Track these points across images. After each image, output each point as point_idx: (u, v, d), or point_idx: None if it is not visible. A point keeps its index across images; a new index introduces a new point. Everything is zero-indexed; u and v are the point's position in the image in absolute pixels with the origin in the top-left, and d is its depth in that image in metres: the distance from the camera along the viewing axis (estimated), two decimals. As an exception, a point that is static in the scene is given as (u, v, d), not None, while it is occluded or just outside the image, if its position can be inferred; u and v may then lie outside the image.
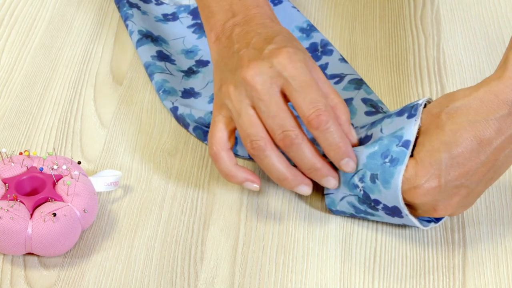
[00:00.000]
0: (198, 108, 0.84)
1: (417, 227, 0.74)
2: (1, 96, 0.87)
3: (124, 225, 0.75)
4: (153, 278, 0.71)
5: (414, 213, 0.72)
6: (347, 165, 0.71)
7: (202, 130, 0.82)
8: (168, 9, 0.96)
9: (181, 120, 0.83)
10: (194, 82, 0.87)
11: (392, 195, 0.70)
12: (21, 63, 0.91)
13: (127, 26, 0.93)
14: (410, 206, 0.71)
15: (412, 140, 0.70)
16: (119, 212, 0.76)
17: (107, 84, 0.89)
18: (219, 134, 0.73)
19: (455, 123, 0.68)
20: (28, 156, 0.74)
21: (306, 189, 0.73)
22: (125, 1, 0.95)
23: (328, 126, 0.69)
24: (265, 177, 0.79)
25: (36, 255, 0.71)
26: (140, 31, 0.91)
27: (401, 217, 0.71)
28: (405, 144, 0.70)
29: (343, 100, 0.73)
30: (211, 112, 0.80)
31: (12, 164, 0.73)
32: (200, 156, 0.81)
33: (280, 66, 0.70)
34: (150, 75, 0.87)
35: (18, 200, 0.70)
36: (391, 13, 1.00)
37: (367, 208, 0.73)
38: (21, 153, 0.74)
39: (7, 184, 0.71)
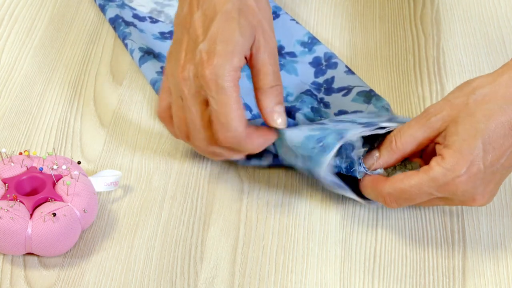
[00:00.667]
0: None
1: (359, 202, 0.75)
2: (1, 96, 0.87)
3: (124, 225, 0.75)
4: (153, 278, 0.71)
5: (451, 203, 0.71)
6: None
7: None
8: (164, 27, 0.95)
9: None
10: None
11: (320, 174, 0.73)
12: (21, 63, 0.91)
13: (126, 45, 0.91)
14: (446, 199, 0.71)
15: (338, 144, 0.72)
16: (119, 212, 0.76)
17: (107, 84, 0.89)
18: (239, 112, 0.72)
19: (486, 109, 0.68)
20: (28, 156, 0.74)
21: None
22: (120, 20, 0.94)
23: (241, 144, 0.72)
24: (265, 177, 0.79)
25: (36, 255, 0.71)
26: (141, 48, 0.90)
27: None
28: (340, 139, 0.72)
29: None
30: None
31: (12, 164, 0.73)
32: (200, 156, 0.81)
33: (202, 81, 0.70)
34: (158, 91, 0.85)
35: (18, 200, 0.70)
36: (391, 13, 1.00)
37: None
38: (21, 153, 0.74)
39: (7, 184, 0.71)
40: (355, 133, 0.72)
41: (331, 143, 0.72)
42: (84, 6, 0.99)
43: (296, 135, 0.74)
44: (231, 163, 0.80)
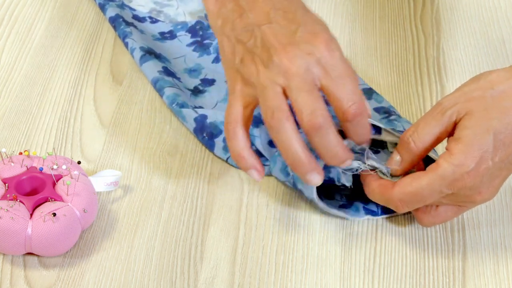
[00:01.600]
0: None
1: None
2: (1, 96, 0.87)
3: (124, 225, 0.75)
4: (153, 278, 0.71)
5: (455, 199, 0.70)
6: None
7: None
8: (164, 27, 0.95)
9: (209, 129, 0.81)
10: (203, 101, 0.85)
11: (310, 189, 0.72)
12: (21, 63, 0.91)
13: (126, 44, 0.91)
14: (452, 195, 0.70)
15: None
16: (119, 212, 0.76)
17: (107, 84, 0.89)
18: (237, 109, 0.70)
19: (502, 106, 0.68)
20: (28, 156, 0.74)
21: (318, 178, 0.70)
22: (121, 19, 0.93)
23: (362, 118, 0.69)
24: (265, 177, 0.79)
25: (36, 255, 0.71)
26: (142, 48, 0.89)
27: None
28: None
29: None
30: None
31: (12, 164, 0.73)
32: (200, 156, 0.81)
33: (319, 54, 0.68)
34: (160, 90, 0.85)
35: (18, 200, 0.70)
36: (391, 13, 1.00)
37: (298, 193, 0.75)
38: (21, 153, 0.74)
39: (7, 184, 0.71)
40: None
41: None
42: (84, 6, 0.99)
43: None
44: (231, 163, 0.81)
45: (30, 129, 0.83)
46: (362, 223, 0.76)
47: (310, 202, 0.76)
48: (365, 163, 0.72)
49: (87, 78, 0.89)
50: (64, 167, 0.73)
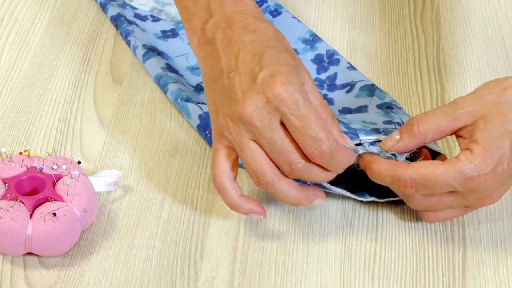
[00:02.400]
0: None
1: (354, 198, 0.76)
2: (1, 96, 0.87)
3: (124, 225, 0.75)
4: (153, 278, 0.71)
5: (465, 202, 0.71)
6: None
7: None
8: (166, 25, 0.95)
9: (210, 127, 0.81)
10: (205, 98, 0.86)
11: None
12: (21, 63, 0.91)
13: (129, 42, 0.91)
14: (463, 195, 0.70)
15: None
16: (119, 212, 0.76)
17: (107, 84, 0.89)
18: (222, 164, 0.71)
19: None
20: (28, 156, 0.74)
21: (320, 201, 0.72)
22: (123, 18, 0.94)
23: (331, 155, 0.68)
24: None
25: (36, 255, 0.71)
26: (144, 45, 0.90)
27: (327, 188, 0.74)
28: None
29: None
30: None
31: (12, 164, 0.73)
32: (200, 156, 0.81)
33: (276, 101, 0.67)
34: (164, 87, 0.85)
35: (18, 200, 0.70)
36: (391, 13, 1.00)
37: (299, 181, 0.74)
38: (21, 153, 0.74)
39: (7, 184, 0.71)
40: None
41: None
42: (84, 6, 0.99)
43: None
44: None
45: (30, 129, 0.83)
46: (362, 223, 0.76)
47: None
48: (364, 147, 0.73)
49: (87, 78, 0.89)
50: (64, 167, 0.73)
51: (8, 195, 0.70)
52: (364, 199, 0.76)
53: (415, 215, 0.77)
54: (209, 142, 0.81)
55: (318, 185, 0.74)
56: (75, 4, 0.99)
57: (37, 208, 0.70)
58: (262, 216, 0.72)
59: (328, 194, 0.78)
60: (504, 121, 0.68)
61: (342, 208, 0.77)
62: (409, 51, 0.94)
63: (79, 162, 0.75)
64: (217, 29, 0.72)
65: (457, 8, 1.01)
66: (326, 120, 0.69)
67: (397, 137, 0.72)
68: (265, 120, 0.67)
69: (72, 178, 0.72)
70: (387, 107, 0.83)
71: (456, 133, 0.71)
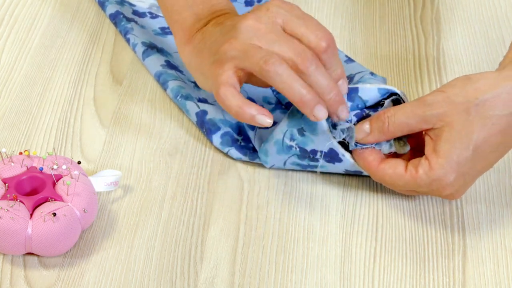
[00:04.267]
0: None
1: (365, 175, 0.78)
2: (1, 96, 0.87)
3: (124, 225, 0.75)
4: (153, 278, 0.71)
5: (428, 193, 0.74)
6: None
7: (232, 138, 0.80)
8: (164, 22, 0.95)
9: (208, 125, 0.81)
10: (206, 93, 0.86)
11: (323, 138, 0.74)
12: (21, 63, 0.91)
13: (128, 40, 0.92)
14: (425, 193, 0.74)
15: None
16: (119, 212, 0.76)
17: (107, 84, 0.89)
18: (226, 75, 0.71)
19: (484, 117, 0.69)
20: (28, 156, 0.74)
21: (323, 111, 0.71)
22: (121, 16, 0.94)
23: (334, 48, 0.72)
24: (265, 177, 0.79)
25: (36, 255, 0.71)
26: (143, 43, 0.90)
27: (341, 160, 0.75)
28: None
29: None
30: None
31: (12, 164, 0.73)
32: (200, 156, 0.81)
33: (275, 7, 0.72)
34: (164, 84, 0.86)
35: (18, 200, 0.70)
36: (391, 13, 1.00)
37: (309, 162, 0.76)
38: (21, 153, 0.74)
39: (7, 184, 0.71)
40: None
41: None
42: (84, 6, 0.99)
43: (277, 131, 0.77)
44: (231, 163, 0.81)
45: (30, 129, 0.83)
46: (362, 223, 0.76)
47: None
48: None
49: (87, 78, 0.89)
50: (64, 167, 0.73)
51: (8, 195, 0.70)
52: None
53: (415, 215, 0.77)
54: (207, 137, 0.82)
55: (334, 158, 0.75)
56: (75, 4, 0.99)
57: (37, 208, 0.70)
58: (269, 119, 0.71)
59: (328, 195, 0.78)
60: (469, 131, 0.69)
61: (342, 208, 0.77)
62: (409, 51, 0.94)
63: (79, 162, 0.75)
64: (209, 22, 0.76)
65: (457, 8, 1.01)
66: None
67: (367, 130, 0.74)
68: (268, 24, 0.71)
69: (72, 178, 0.72)
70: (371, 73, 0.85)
71: (426, 133, 0.72)
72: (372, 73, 0.86)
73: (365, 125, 0.74)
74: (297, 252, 0.73)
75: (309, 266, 0.72)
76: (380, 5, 1.01)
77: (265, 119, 0.70)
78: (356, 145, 0.74)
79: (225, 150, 0.81)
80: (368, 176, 0.79)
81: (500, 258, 0.73)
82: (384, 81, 0.85)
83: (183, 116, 0.85)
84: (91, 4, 0.99)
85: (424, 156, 0.72)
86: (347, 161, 0.76)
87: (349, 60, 0.89)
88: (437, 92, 0.72)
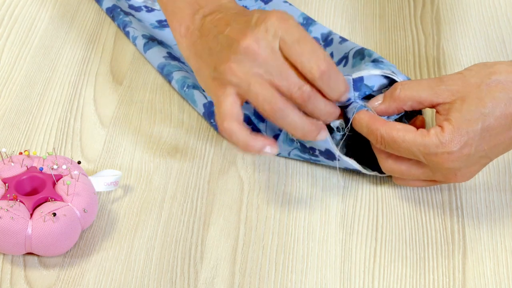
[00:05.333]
0: None
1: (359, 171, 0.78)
2: (1, 96, 0.87)
3: (124, 225, 0.75)
4: (153, 278, 0.71)
5: (431, 176, 0.74)
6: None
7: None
8: (160, 15, 0.96)
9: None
10: None
11: (323, 142, 0.75)
12: (21, 63, 0.91)
13: (127, 33, 0.92)
14: (429, 169, 0.73)
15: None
16: (119, 212, 0.76)
17: (107, 84, 0.89)
18: (229, 107, 0.71)
19: (495, 97, 0.70)
20: (28, 156, 0.74)
21: (324, 134, 0.74)
22: (119, 9, 0.94)
23: (329, 73, 0.71)
24: (265, 177, 0.79)
25: (36, 255, 0.71)
26: (144, 35, 0.91)
27: (336, 159, 0.76)
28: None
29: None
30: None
31: (12, 164, 0.73)
32: (200, 156, 0.81)
33: (274, 28, 0.70)
34: (168, 75, 0.86)
35: (18, 200, 0.70)
36: (391, 13, 1.00)
37: (310, 156, 0.78)
38: (21, 153, 0.74)
39: (7, 184, 0.71)
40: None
41: None
42: (84, 6, 0.99)
43: None
44: (231, 163, 0.81)
45: (30, 129, 0.83)
46: (362, 223, 0.76)
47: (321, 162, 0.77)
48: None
49: (87, 78, 0.89)
50: (64, 167, 0.73)
51: (8, 195, 0.70)
52: (368, 172, 0.78)
53: (415, 215, 0.77)
54: (215, 128, 0.83)
55: (331, 157, 0.76)
56: (75, 4, 0.99)
57: (37, 208, 0.70)
58: (275, 148, 0.72)
59: (328, 195, 0.78)
60: (479, 105, 0.70)
61: (342, 208, 0.77)
62: (409, 51, 0.94)
63: (79, 162, 0.75)
64: (206, 16, 0.75)
65: (457, 8, 1.01)
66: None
67: (379, 101, 0.75)
68: (267, 49, 0.70)
69: (72, 178, 0.72)
70: (373, 60, 0.84)
71: (435, 108, 0.73)
72: (362, 48, 0.87)
73: (380, 96, 0.75)
74: (297, 252, 0.73)
75: (309, 266, 0.72)
76: (380, 5, 1.01)
77: (272, 150, 0.72)
78: (363, 106, 0.75)
79: None
80: (368, 176, 0.79)
81: (500, 258, 0.73)
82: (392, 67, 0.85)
83: (183, 116, 0.85)
84: (91, 4, 0.99)
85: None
86: (344, 162, 0.76)
87: (343, 40, 0.90)
88: (455, 73, 0.73)
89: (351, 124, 0.75)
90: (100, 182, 0.75)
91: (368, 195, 0.78)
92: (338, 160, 0.76)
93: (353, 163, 0.77)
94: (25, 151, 0.74)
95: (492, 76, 0.71)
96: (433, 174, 0.74)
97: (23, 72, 0.90)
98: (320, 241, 0.74)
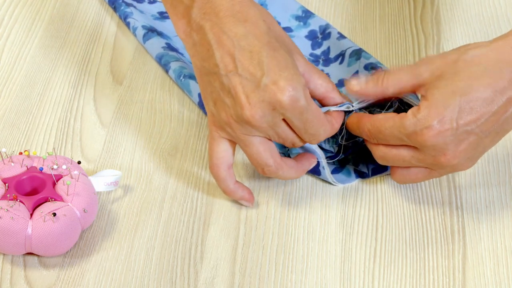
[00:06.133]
0: None
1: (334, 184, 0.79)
2: (1, 96, 0.87)
3: (124, 225, 0.75)
4: (153, 278, 0.71)
5: (423, 160, 0.72)
6: None
7: None
8: (162, 6, 0.97)
9: None
10: None
11: (309, 149, 0.77)
12: (21, 63, 0.91)
13: (128, 24, 0.93)
14: (419, 152, 0.72)
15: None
16: (119, 212, 0.76)
17: (107, 84, 0.89)
18: (221, 154, 0.74)
19: (471, 70, 0.70)
20: (28, 156, 0.74)
21: (312, 163, 0.77)
22: (120, 1, 0.95)
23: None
24: (265, 177, 0.79)
25: (36, 255, 0.71)
26: (144, 26, 0.92)
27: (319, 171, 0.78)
28: None
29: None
30: None
31: (12, 164, 0.73)
32: (200, 156, 0.81)
33: (283, 109, 0.69)
34: (166, 65, 0.88)
35: (18, 200, 0.70)
36: (391, 13, 1.00)
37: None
38: (21, 153, 0.74)
39: (7, 184, 0.71)
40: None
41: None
42: (84, 6, 0.99)
43: None
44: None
45: (30, 129, 0.83)
46: (362, 223, 0.76)
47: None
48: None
49: (87, 78, 0.89)
50: (64, 167, 0.73)
51: (8, 195, 0.70)
52: (349, 183, 0.79)
53: (415, 215, 0.77)
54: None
55: (315, 171, 0.78)
56: (75, 4, 0.99)
57: (37, 208, 0.70)
58: (251, 203, 0.76)
59: (328, 195, 0.78)
60: (455, 79, 0.70)
61: (342, 208, 0.77)
62: (409, 51, 0.94)
63: (79, 162, 0.75)
64: (204, 15, 0.72)
65: (457, 8, 1.01)
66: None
67: (363, 80, 0.75)
68: (270, 123, 0.70)
69: (72, 178, 0.72)
70: (372, 67, 0.85)
71: (419, 92, 0.73)
72: (360, 49, 0.87)
73: (362, 77, 0.75)
74: (297, 252, 0.73)
75: (309, 266, 0.72)
76: (380, 5, 1.01)
77: (247, 204, 0.76)
78: (352, 111, 0.75)
79: None
80: (368, 177, 0.79)
81: (500, 258, 0.73)
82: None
83: (183, 116, 0.85)
84: (91, 5, 0.99)
85: None
86: (325, 173, 0.78)
87: (341, 36, 0.90)
88: (436, 54, 0.75)
89: (345, 129, 0.76)
90: (100, 182, 0.75)
91: (368, 195, 0.78)
92: (323, 168, 0.78)
93: (332, 179, 0.78)
94: (25, 151, 0.74)
95: (469, 51, 0.71)
96: (424, 157, 0.72)
97: (23, 72, 0.90)
98: (320, 241, 0.74)
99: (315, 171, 0.78)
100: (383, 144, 0.74)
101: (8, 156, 0.74)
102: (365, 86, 0.74)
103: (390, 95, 0.74)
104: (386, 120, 0.72)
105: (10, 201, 0.69)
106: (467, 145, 0.71)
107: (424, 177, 0.75)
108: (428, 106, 0.70)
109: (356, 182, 0.79)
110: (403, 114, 0.71)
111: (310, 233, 0.75)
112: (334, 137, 0.78)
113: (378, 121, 0.73)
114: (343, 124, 0.75)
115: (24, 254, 0.71)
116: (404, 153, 0.73)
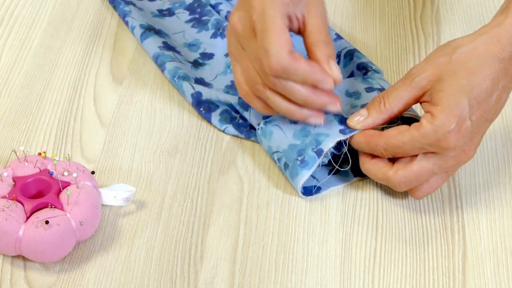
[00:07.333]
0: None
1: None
2: (1, 96, 0.87)
3: (124, 225, 0.75)
4: (153, 278, 0.71)
5: (444, 165, 0.73)
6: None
7: (230, 115, 0.83)
8: (162, 4, 0.97)
9: (206, 103, 0.84)
10: (203, 73, 0.88)
11: (295, 186, 0.77)
12: (21, 63, 0.91)
13: (127, 22, 0.94)
14: (439, 155, 0.73)
15: (325, 150, 0.75)
16: (119, 212, 0.76)
17: (107, 84, 0.89)
18: (290, 40, 0.73)
19: (467, 66, 0.71)
20: (45, 157, 0.73)
21: (319, 120, 0.76)
22: None
23: (287, 72, 0.72)
24: (265, 177, 0.79)
25: (35, 255, 0.71)
26: (142, 25, 0.92)
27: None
28: (318, 152, 0.75)
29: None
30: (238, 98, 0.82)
31: (26, 163, 0.72)
32: (200, 156, 0.81)
33: (251, 9, 0.72)
34: (161, 65, 0.88)
35: (17, 201, 0.69)
36: (391, 13, 1.00)
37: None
38: (39, 154, 0.74)
39: (15, 183, 0.71)
40: (332, 141, 0.75)
41: (310, 159, 0.75)
42: (84, 6, 0.99)
43: (282, 141, 0.77)
44: (231, 163, 0.81)
45: (30, 129, 0.83)
46: (362, 223, 0.76)
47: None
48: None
49: (87, 78, 0.89)
50: (74, 175, 0.72)
51: (13, 194, 0.70)
52: (348, 182, 0.79)
53: (415, 215, 0.77)
54: (204, 117, 0.84)
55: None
56: (75, 4, 0.99)
57: (35, 213, 0.69)
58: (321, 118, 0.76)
59: (328, 195, 0.78)
60: (457, 78, 0.71)
61: (342, 208, 0.77)
62: (409, 51, 0.94)
63: (93, 172, 0.74)
64: None
65: (457, 8, 1.01)
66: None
67: (365, 113, 0.75)
68: (245, 29, 0.73)
69: (78, 187, 0.71)
70: (363, 67, 0.85)
71: (423, 99, 0.73)
72: (354, 49, 0.88)
73: (362, 111, 0.76)
74: (297, 252, 0.73)
75: (309, 266, 0.72)
76: (380, 5, 1.01)
77: (318, 121, 0.76)
78: (353, 131, 0.76)
79: (223, 127, 0.83)
80: (368, 177, 0.79)
81: (500, 258, 0.73)
82: (381, 73, 0.85)
83: (183, 116, 0.85)
84: (91, 5, 0.99)
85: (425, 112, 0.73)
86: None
87: (338, 37, 0.90)
88: (421, 62, 0.74)
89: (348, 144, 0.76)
90: (111, 196, 0.73)
91: (368, 195, 0.78)
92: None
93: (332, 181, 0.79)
94: (43, 152, 0.74)
95: (457, 50, 0.72)
96: (445, 161, 0.73)
97: (23, 72, 0.90)
98: (320, 241, 0.74)
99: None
100: (401, 170, 0.74)
101: (25, 154, 0.73)
102: (369, 117, 0.75)
103: (397, 114, 0.75)
104: (402, 135, 0.72)
105: (8, 201, 0.69)
106: (479, 136, 0.74)
107: (443, 181, 0.76)
108: (441, 111, 0.71)
109: (356, 183, 0.79)
110: (416, 124, 0.72)
111: (310, 233, 0.75)
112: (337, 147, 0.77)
113: (393, 137, 0.73)
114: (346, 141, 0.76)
115: (24, 254, 0.71)
116: (426, 163, 0.73)
